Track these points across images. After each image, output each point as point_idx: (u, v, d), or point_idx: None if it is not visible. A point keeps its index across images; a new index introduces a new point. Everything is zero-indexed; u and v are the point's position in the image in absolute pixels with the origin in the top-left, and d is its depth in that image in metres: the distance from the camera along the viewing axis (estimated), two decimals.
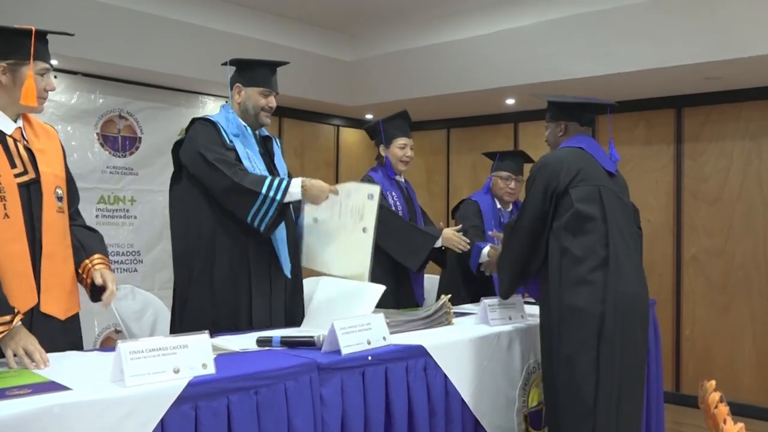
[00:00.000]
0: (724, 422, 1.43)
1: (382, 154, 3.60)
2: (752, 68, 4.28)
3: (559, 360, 2.51)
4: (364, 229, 2.77)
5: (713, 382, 1.58)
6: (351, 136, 6.63)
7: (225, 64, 2.92)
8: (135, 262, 4.93)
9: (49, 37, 2.21)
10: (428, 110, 6.09)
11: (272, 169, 2.86)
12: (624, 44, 4.40)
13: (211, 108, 5.45)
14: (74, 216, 2.32)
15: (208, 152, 2.66)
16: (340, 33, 5.82)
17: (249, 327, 2.68)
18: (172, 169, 5.29)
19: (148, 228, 5.05)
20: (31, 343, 1.94)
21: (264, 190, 2.57)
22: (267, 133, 2.97)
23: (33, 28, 2.10)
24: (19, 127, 2.15)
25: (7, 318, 1.93)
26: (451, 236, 3.39)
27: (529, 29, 4.84)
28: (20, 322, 1.97)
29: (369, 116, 6.37)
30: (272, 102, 2.86)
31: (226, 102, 2.94)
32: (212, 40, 4.86)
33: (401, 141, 3.56)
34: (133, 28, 4.43)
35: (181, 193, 2.81)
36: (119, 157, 4.88)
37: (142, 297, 3.18)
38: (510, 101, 5.65)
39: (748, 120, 4.99)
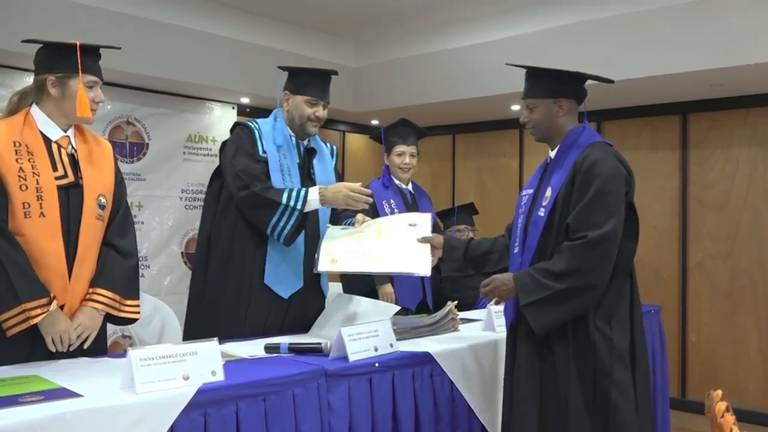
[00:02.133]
0: (731, 431, 1.44)
1: (385, 162, 3.64)
2: (758, 75, 4.28)
3: (605, 396, 2.15)
4: (411, 224, 2.65)
5: (719, 392, 1.58)
6: (356, 142, 6.65)
7: (282, 68, 2.92)
8: (142, 267, 4.94)
9: None
10: (433, 116, 6.10)
11: (306, 183, 2.81)
12: (630, 51, 4.41)
13: (218, 114, 5.48)
14: (119, 233, 2.32)
15: (235, 161, 2.69)
16: (345, 39, 5.84)
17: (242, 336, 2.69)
18: (178, 175, 5.37)
19: (155, 233, 5.07)
20: (70, 332, 2.10)
21: (284, 200, 2.61)
22: (313, 145, 2.93)
23: (78, 43, 2.19)
24: (67, 136, 2.26)
25: (45, 301, 2.04)
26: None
27: (534, 36, 4.85)
28: (57, 307, 2.07)
29: (375, 122, 6.39)
30: (320, 112, 2.82)
31: (280, 107, 2.91)
32: (218, 46, 4.88)
33: (399, 148, 3.59)
34: (140, 35, 4.46)
35: (216, 191, 2.83)
36: (127, 163, 4.90)
37: (150, 303, 3.21)
38: (515, 107, 5.66)
39: (754, 126, 4.99)
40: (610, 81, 2.47)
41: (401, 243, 2.56)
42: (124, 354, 1.82)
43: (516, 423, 2.31)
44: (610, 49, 4.50)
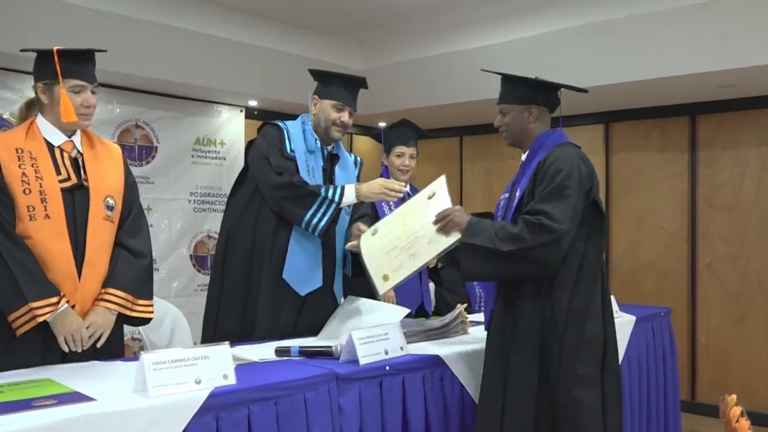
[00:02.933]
0: None
1: (384, 162, 3.63)
2: (766, 76, 4.27)
3: (567, 394, 2.19)
4: (429, 196, 2.52)
5: (734, 397, 1.58)
6: (364, 144, 6.66)
7: (312, 72, 2.94)
8: None
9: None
10: (440, 118, 6.10)
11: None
12: (638, 53, 4.40)
13: (225, 117, 5.49)
14: (130, 233, 2.34)
15: (272, 157, 2.74)
16: (351, 41, 5.85)
17: (254, 337, 2.71)
18: (186, 178, 5.38)
19: (164, 236, 5.09)
20: (82, 331, 2.12)
21: (323, 192, 2.67)
22: (337, 152, 2.95)
23: (55, 48, 2.20)
24: (71, 141, 2.28)
25: (54, 300, 2.07)
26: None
27: (542, 38, 4.85)
28: (66, 305, 2.10)
29: (382, 124, 6.37)
30: (345, 117, 2.85)
31: (308, 114, 2.93)
32: (226, 49, 4.89)
33: (399, 149, 3.55)
34: (148, 38, 4.47)
35: (242, 194, 2.87)
36: (136, 166, 4.91)
37: (160, 306, 3.22)
38: None
39: (763, 127, 4.97)
40: (585, 90, 2.55)
41: (426, 223, 2.43)
42: (135, 357, 1.83)
43: (482, 420, 2.35)
44: (618, 51, 4.49)
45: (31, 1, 3.96)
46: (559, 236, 2.18)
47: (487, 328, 2.46)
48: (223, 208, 3.04)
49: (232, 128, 5.52)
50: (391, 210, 3.31)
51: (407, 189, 3.63)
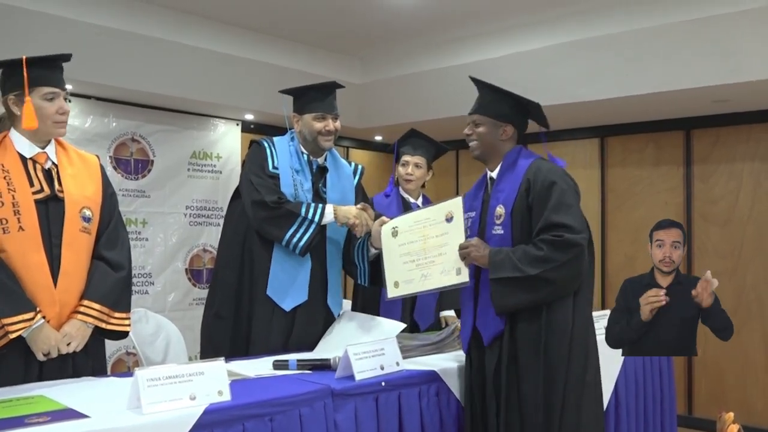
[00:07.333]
0: None
1: (395, 174, 3.62)
2: (761, 91, 4.29)
3: (577, 398, 2.25)
4: (447, 218, 2.48)
5: (731, 414, 1.57)
6: (361, 158, 6.66)
7: (284, 92, 2.96)
8: (146, 284, 4.95)
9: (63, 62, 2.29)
10: (437, 132, 6.06)
11: (316, 202, 2.82)
12: (634, 67, 4.42)
13: (222, 131, 5.49)
14: (109, 245, 2.31)
15: (253, 176, 2.76)
16: (349, 56, 5.87)
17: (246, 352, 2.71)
18: (182, 192, 5.37)
19: (159, 250, 5.07)
20: (61, 346, 2.11)
21: (303, 212, 2.68)
22: (328, 164, 2.93)
23: (24, 57, 2.16)
24: (45, 152, 2.25)
25: (28, 315, 2.04)
26: None
27: (538, 53, 4.87)
28: (42, 320, 2.08)
29: (378, 138, 6.40)
30: (329, 125, 2.83)
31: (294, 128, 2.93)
32: (223, 64, 4.91)
33: (404, 158, 3.55)
34: (145, 52, 4.48)
35: (234, 210, 2.89)
36: (131, 179, 4.91)
37: (155, 320, 3.21)
38: None
39: (757, 141, 5.00)
40: (546, 126, 2.52)
41: (443, 252, 2.44)
42: (128, 372, 1.81)
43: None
44: (614, 66, 4.51)
45: (29, 15, 3.97)
46: (583, 247, 2.24)
47: (466, 350, 2.43)
48: (219, 221, 3.05)
49: (228, 142, 5.52)
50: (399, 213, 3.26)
51: (419, 201, 3.62)
